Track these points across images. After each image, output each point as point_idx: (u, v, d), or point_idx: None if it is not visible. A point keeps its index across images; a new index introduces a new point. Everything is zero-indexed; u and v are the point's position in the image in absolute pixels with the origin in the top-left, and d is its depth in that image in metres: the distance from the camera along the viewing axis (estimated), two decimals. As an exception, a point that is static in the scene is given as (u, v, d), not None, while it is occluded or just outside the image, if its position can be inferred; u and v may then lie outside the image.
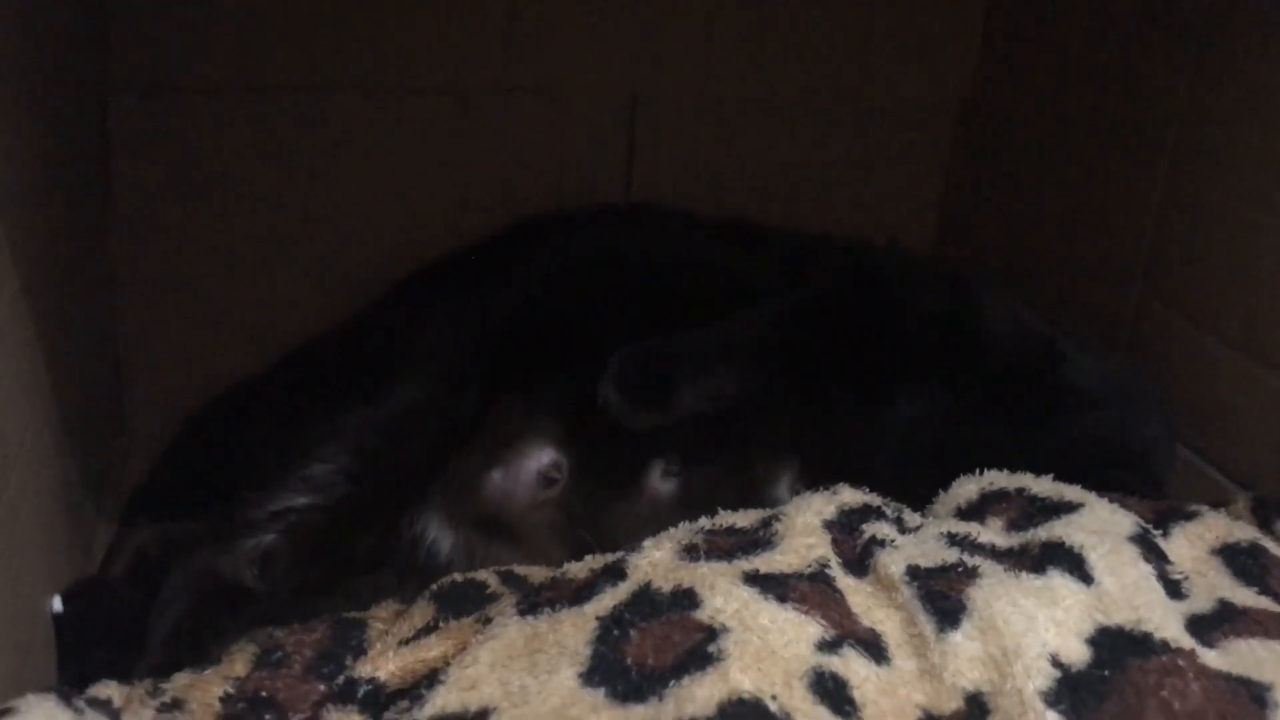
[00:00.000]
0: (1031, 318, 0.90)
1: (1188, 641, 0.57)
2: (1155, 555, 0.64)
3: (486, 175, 1.11)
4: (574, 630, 0.59)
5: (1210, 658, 0.57)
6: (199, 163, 1.04)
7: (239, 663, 0.65)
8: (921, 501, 0.75)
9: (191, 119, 1.03)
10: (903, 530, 0.68)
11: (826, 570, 0.63)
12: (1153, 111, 0.94)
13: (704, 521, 0.69)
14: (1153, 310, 0.94)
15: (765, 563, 0.63)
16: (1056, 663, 0.55)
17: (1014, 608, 0.58)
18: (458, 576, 0.71)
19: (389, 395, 0.87)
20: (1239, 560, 0.66)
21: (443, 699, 0.56)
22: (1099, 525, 0.65)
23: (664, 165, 1.15)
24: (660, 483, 0.86)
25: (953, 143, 1.24)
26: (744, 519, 0.69)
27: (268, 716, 0.61)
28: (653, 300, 0.94)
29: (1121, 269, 0.97)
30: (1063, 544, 0.63)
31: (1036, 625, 0.57)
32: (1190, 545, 0.68)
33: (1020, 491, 0.70)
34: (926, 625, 0.59)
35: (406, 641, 0.63)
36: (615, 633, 0.58)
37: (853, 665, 0.56)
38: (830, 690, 0.54)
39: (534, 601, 0.63)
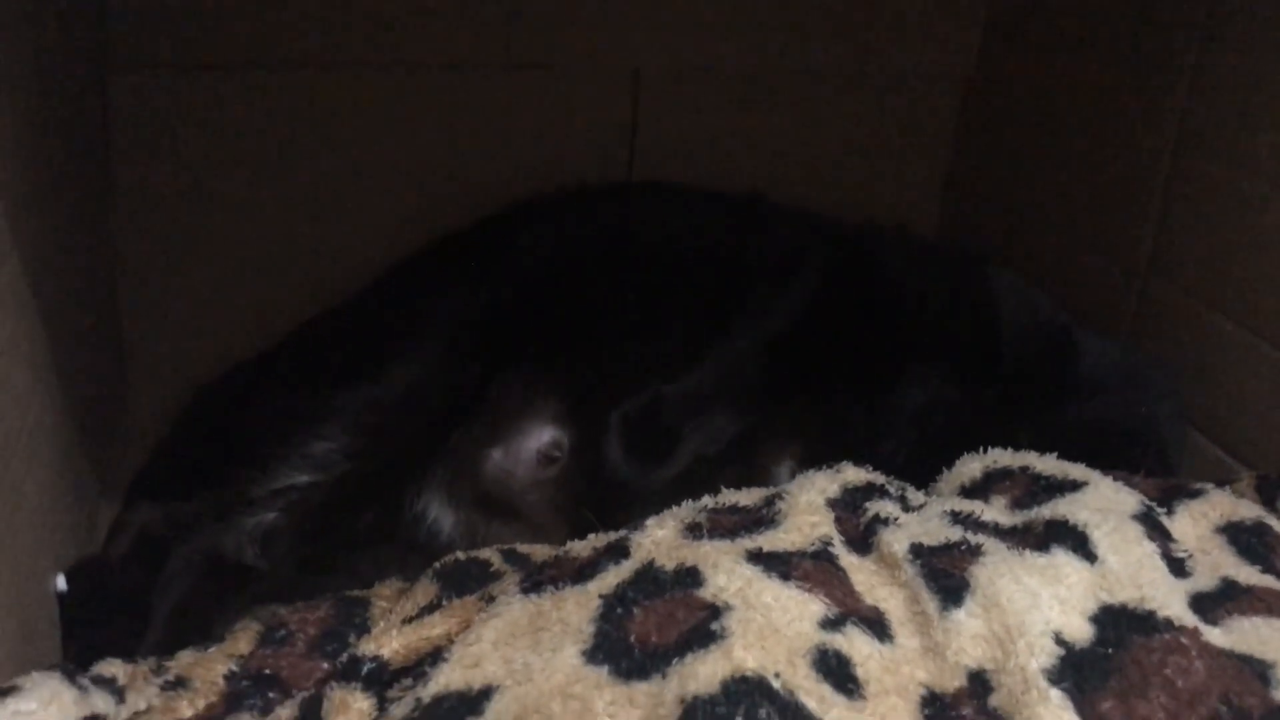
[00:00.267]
0: (1047, 303, 0.90)
1: (1191, 620, 0.57)
2: (1159, 533, 0.64)
3: (489, 152, 1.10)
4: (577, 608, 0.59)
5: (1214, 636, 0.57)
6: (200, 140, 1.04)
7: (243, 641, 0.66)
8: None
9: (192, 97, 1.02)
10: (906, 508, 0.68)
11: (830, 548, 0.63)
12: (1158, 88, 0.93)
13: (707, 500, 0.69)
14: (1157, 287, 0.94)
15: (768, 541, 0.63)
16: (1060, 641, 0.55)
17: (1017, 586, 0.58)
18: (461, 555, 0.71)
19: (390, 373, 0.87)
20: (1243, 538, 0.66)
21: (446, 677, 0.56)
22: (1103, 503, 0.65)
23: (667, 141, 1.14)
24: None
25: (956, 120, 1.23)
26: (747, 497, 0.69)
27: (272, 694, 0.62)
28: (655, 279, 0.94)
29: (1126, 246, 0.97)
30: (1066, 522, 0.63)
31: (1040, 603, 0.57)
32: (1194, 523, 0.68)
33: (1024, 470, 0.70)
34: (930, 603, 0.59)
35: (410, 619, 0.63)
36: (619, 611, 0.58)
37: (856, 643, 0.56)
38: (834, 668, 0.54)
39: (537, 579, 0.63)
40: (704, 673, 0.53)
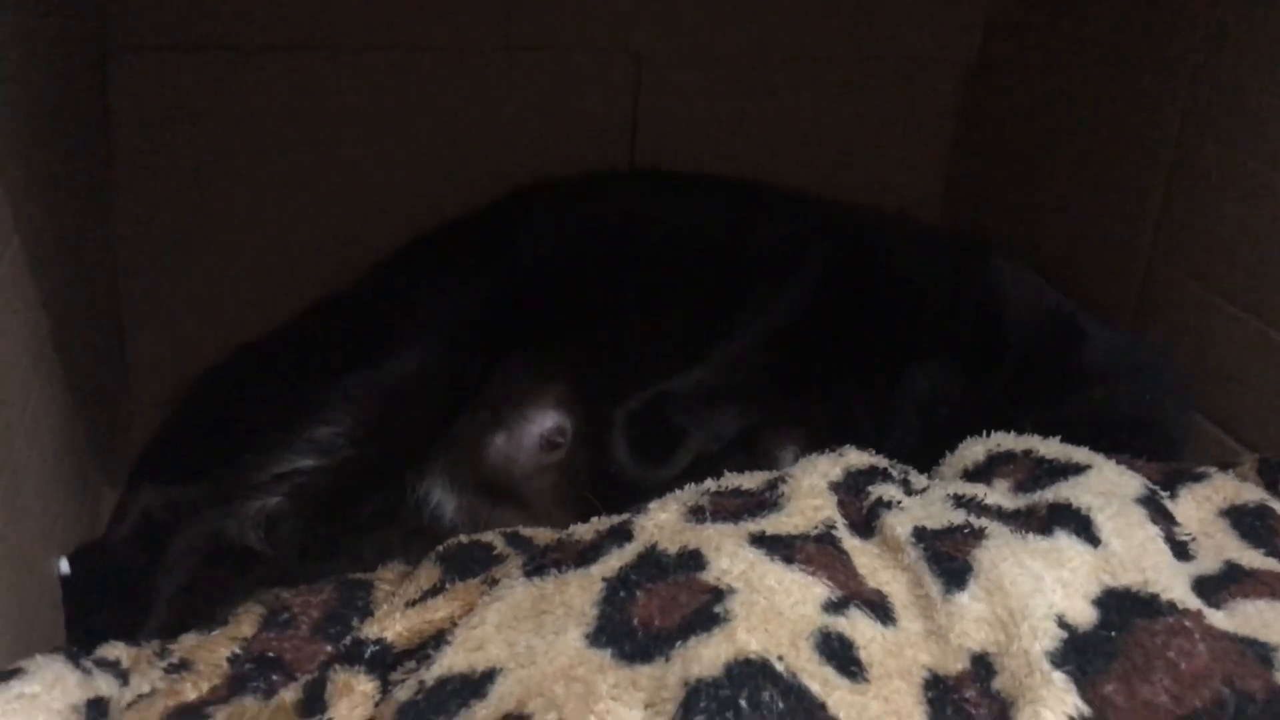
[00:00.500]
0: (1053, 292, 0.90)
1: (1194, 602, 0.57)
2: (1162, 517, 0.64)
3: (489, 136, 1.10)
4: (580, 591, 0.59)
5: (1217, 619, 0.57)
6: (200, 122, 1.03)
7: (246, 624, 0.66)
8: None
9: (192, 79, 1.02)
10: (909, 492, 0.68)
11: (833, 532, 0.63)
12: (1161, 73, 0.93)
13: (710, 483, 0.69)
14: (1160, 272, 0.94)
15: (771, 524, 0.63)
16: (1063, 624, 0.56)
17: (1020, 569, 0.58)
18: (464, 538, 0.71)
19: (393, 359, 0.87)
20: (1246, 522, 0.66)
21: (449, 659, 0.57)
22: (1106, 487, 0.65)
23: (669, 125, 1.14)
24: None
25: (958, 106, 1.23)
26: (750, 481, 0.69)
27: (275, 676, 0.62)
28: (657, 266, 0.94)
29: (1130, 231, 0.97)
30: (1070, 505, 0.63)
31: (1043, 586, 0.57)
32: (1198, 507, 0.68)
33: (1027, 453, 0.70)
34: (933, 586, 0.59)
35: (413, 603, 0.63)
36: (622, 594, 0.58)
37: (859, 626, 0.56)
38: (836, 651, 0.54)
39: (540, 563, 0.63)
40: (707, 655, 0.53)
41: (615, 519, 0.66)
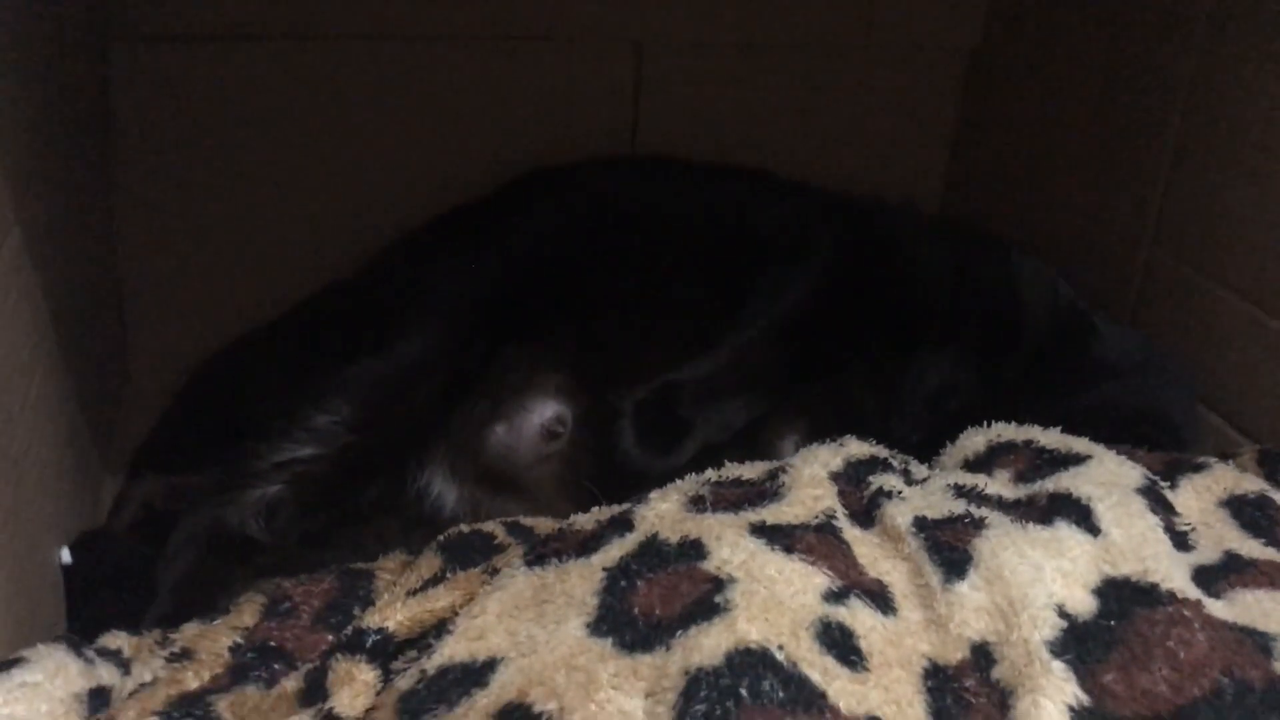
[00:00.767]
0: (1066, 288, 0.89)
1: (1194, 592, 0.57)
2: (1162, 507, 0.64)
3: (491, 126, 1.10)
4: (581, 581, 0.59)
5: (1216, 608, 0.57)
6: (201, 112, 1.03)
7: (247, 613, 0.66)
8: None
9: (193, 68, 1.02)
10: (910, 482, 0.68)
11: (833, 521, 0.63)
12: (1164, 60, 0.93)
13: (711, 473, 0.69)
14: (1162, 260, 0.94)
15: (772, 514, 0.63)
16: (1063, 613, 0.56)
17: (1021, 558, 0.58)
18: (465, 527, 0.71)
19: (394, 347, 0.87)
20: (1246, 512, 0.66)
21: (451, 649, 0.57)
22: (1107, 477, 0.65)
23: (670, 113, 1.14)
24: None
25: (961, 92, 1.22)
26: (751, 471, 0.69)
27: (276, 666, 0.62)
28: (660, 255, 0.94)
29: (1131, 220, 0.96)
30: (1070, 495, 0.63)
31: (1043, 576, 0.57)
32: (1198, 497, 0.68)
33: (1028, 443, 0.70)
34: (933, 576, 0.59)
35: (414, 592, 0.63)
36: (623, 583, 0.58)
37: (859, 615, 0.56)
38: (837, 640, 0.55)
39: (541, 553, 0.63)
40: (708, 645, 0.53)
41: (616, 509, 0.67)
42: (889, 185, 1.11)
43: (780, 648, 0.53)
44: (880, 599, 0.58)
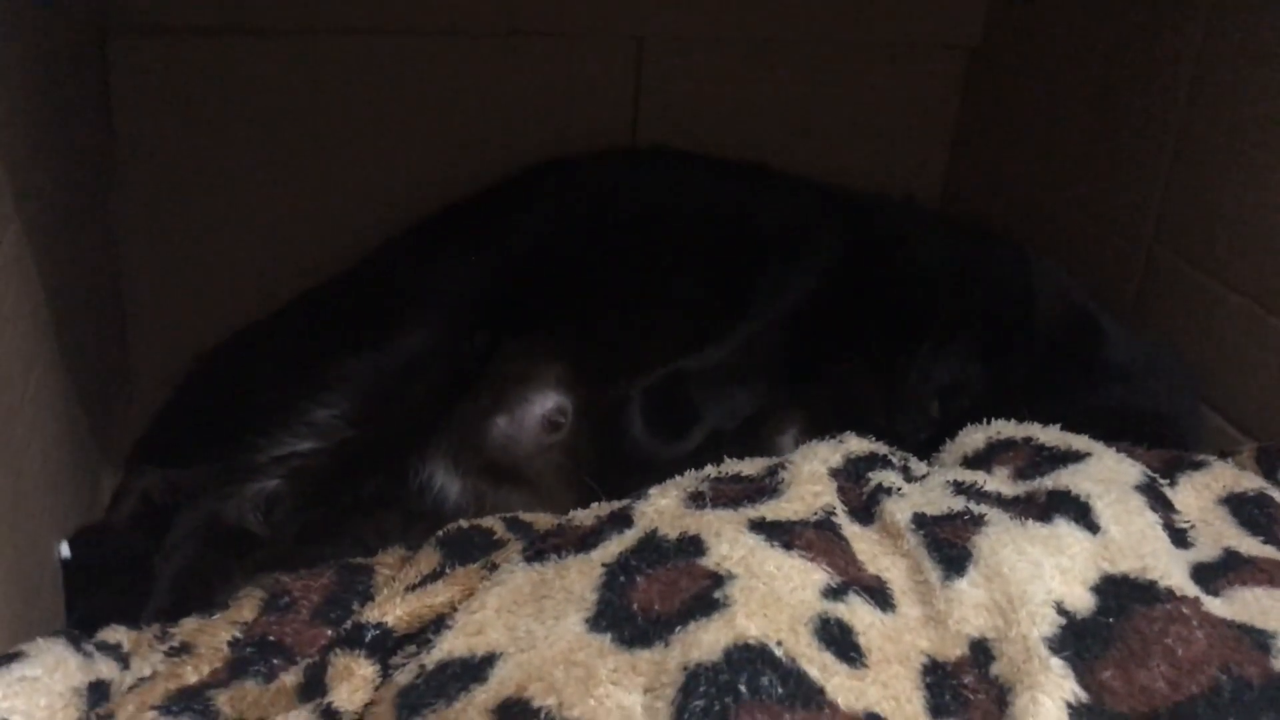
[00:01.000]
0: (1078, 289, 0.89)
1: (1192, 590, 0.57)
2: (1161, 504, 0.64)
3: (492, 121, 1.10)
4: (580, 577, 0.59)
5: (1215, 606, 0.57)
6: (200, 105, 1.03)
7: (246, 608, 0.66)
8: None
9: (192, 61, 1.01)
10: (909, 478, 0.68)
11: (832, 518, 0.63)
12: (1165, 58, 0.93)
13: (710, 469, 0.69)
14: (1162, 257, 0.94)
15: (771, 510, 0.63)
16: (1061, 610, 0.56)
17: (1020, 555, 0.58)
18: (464, 523, 0.71)
19: (395, 341, 0.87)
20: (1245, 510, 0.66)
21: (450, 644, 0.57)
22: (1106, 474, 0.65)
23: (671, 109, 1.14)
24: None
25: (961, 90, 1.22)
26: (750, 467, 0.69)
27: (275, 660, 0.62)
28: (662, 247, 0.94)
29: (1132, 217, 0.96)
30: (1069, 492, 0.63)
31: (1042, 573, 0.57)
32: (1197, 494, 0.68)
33: (1027, 440, 0.70)
34: (932, 572, 0.59)
35: (413, 587, 0.63)
36: (622, 579, 0.58)
37: (858, 612, 0.56)
38: (836, 636, 0.55)
39: (540, 548, 0.63)
40: (707, 640, 0.53)
41: (616, 504, 0.67)
42: (889, 182, 1.11)
43: (779, 644, 0.53)
44: (879, 595, 0.58)
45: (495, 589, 0.60)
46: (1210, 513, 0.67)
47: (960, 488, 0.66)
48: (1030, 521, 0.61)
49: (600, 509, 0.67)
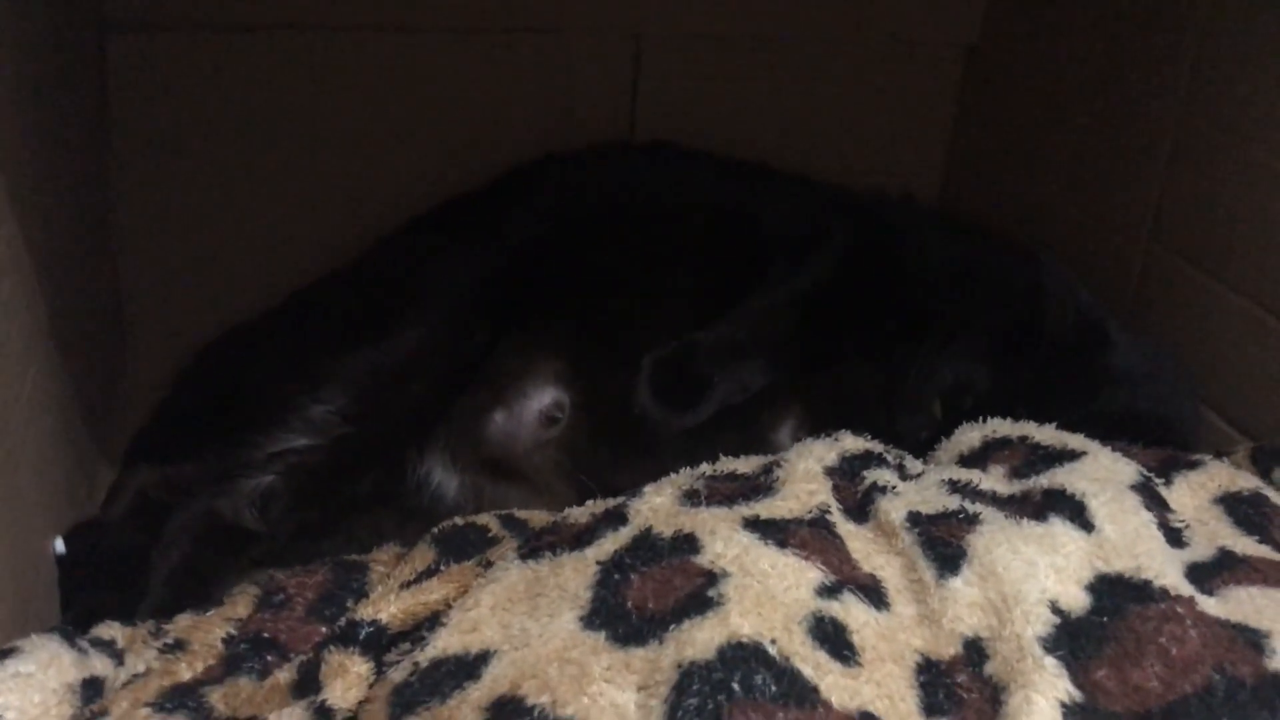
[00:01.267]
0: (1086, 294, 0.89)
1: (1187, 589, 0.57)
2: (1157, 504, 0.64)
3: (490, 117, 1.10)
4: (575, 574, 0.59)
5: (1209, 605, 0.57)
6: (198, 102, 1.03)
7: (241, 604, 0.66)
8: None
9: (191, 58, 1.01)
10: (904, 477, 0.68)
11: (827, 516, 0.63)
12: (1163, 57, 0.93)
13: (705, 467, 0.69)
14: (1160, 257, 0.94)
15: (766, 508, 0.63)
16: (1056, 609, 0.56)
17: (1014, 554, 0.58)
18: (459, 520, 0.71)
19: (391, 337, 0.87)
20: (1240, 509, 0.67)
21: (444, 641, 0.57)
22: (1101, 473, 0.65)
23: (668, 105, 1.13)
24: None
25: (960, 88, 1.22)
26: (745, 465, 0.69)
27: (270, 657, 0.62)
28: (659, 245, 0.93)
29: (1130, 215, 0.96)
30: (1064, 491, 0.63)
31: (1036, 572, 0.57)
32: (1192, 494, 0.68)
33: (1023, 439, 0.70)
34: (927, 571, 0.59)
35: (408, 584, 0.63)
36: (616, 577, 0.58)
37: (852, 610, 0.56)
38: (830, 635, 0.55)
39: (535, 546, 0.63)
40: (701, 639, 0.53)
41: (611, 502, 0.67)
42: (886, 180, 1.11)
43: (773, 642, 0.53)
44: (873, 594, 0.58)
45: (490, 586, 0.60)
46: (1205, 512, 0.67)
47: (955, 486, 0.66)
48: (1025, 520, 0.61)
49: (595, 506, 0.67)
